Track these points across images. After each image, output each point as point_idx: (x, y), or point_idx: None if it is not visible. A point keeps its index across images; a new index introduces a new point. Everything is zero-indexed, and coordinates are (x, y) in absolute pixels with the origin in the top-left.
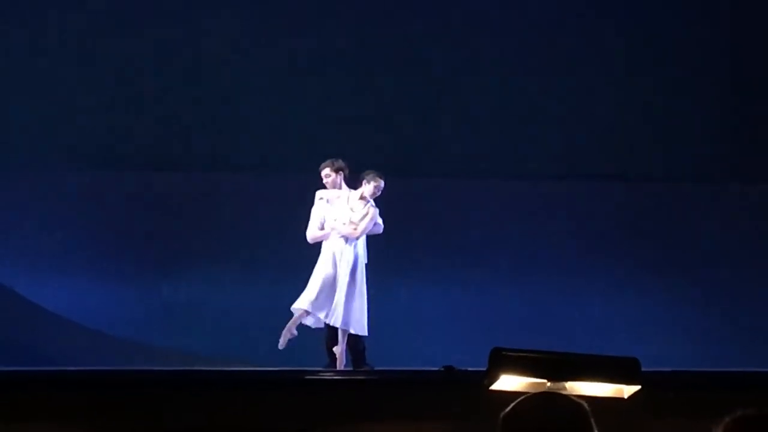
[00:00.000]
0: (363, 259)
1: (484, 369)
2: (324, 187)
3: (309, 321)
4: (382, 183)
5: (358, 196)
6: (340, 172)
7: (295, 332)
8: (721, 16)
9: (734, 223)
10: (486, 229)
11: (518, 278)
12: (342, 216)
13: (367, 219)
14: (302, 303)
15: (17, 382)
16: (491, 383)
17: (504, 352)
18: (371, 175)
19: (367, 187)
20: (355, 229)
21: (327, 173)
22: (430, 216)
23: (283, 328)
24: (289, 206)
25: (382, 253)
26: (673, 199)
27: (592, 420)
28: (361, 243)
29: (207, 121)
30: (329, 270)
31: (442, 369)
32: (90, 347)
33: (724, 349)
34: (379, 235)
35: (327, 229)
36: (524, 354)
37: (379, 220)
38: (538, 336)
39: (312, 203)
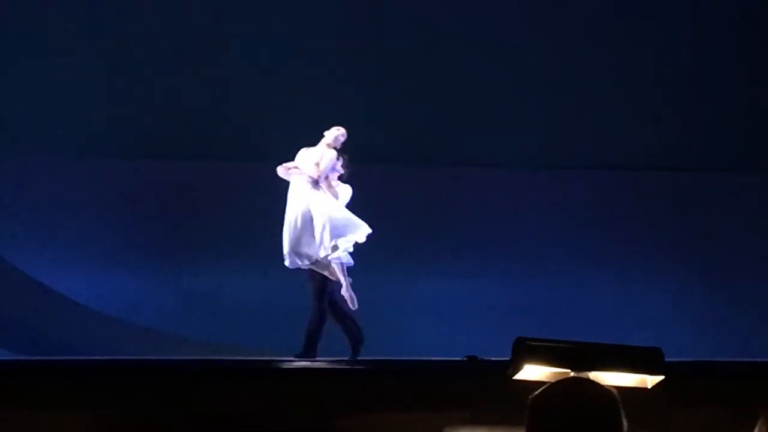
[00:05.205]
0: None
1: (507, 359)
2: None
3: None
4: (343, 129)
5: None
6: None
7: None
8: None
9: (756, 214)
10: (508, 219)
11: (541, 268)
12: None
13: (326, 159)
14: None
15: (40, 372)
16: (514, 373)
17: (528, 342)
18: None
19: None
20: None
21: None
22: (451, 206)
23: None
24: None
25: (405, 244)
26: (696, 189)
27: (621, 408)
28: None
29: (227, 111)
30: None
31: (465, 359)
32: (111, 336)
33: (747, 339)
34: (399, 225)
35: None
36: (548, 344)
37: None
38: (561, 326)
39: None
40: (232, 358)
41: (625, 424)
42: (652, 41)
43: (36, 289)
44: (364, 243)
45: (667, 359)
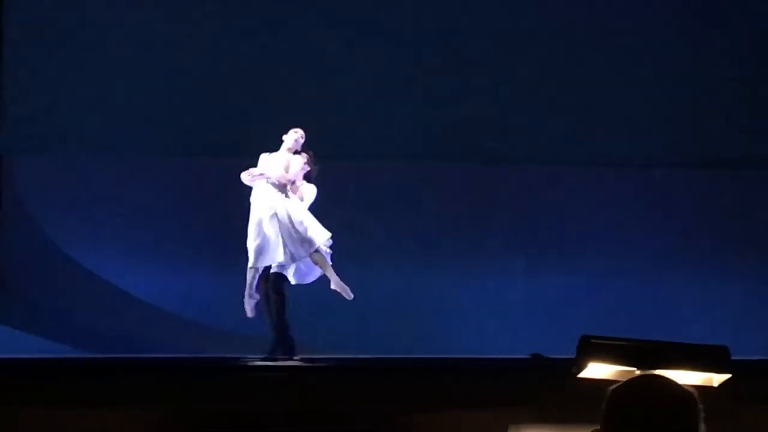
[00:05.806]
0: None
1: (572, 357)
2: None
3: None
4: (301, 131)
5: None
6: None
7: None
8: None
9: None
10: (572, 218)
11: (605, 266)
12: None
13: (295, 164)
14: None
15: (106, 369)
16: (579, 371)
17: (593, 340)
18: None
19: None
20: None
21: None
22: (516, 204)
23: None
24: (364, 193)
25: (469, 241)
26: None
27: (702, 410)
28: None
29: (286, 108)
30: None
31: (530, 356)
32: (178, 335)
33: None
34: (461, 222)
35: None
36: (613, 342)
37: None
38: (626, 324)
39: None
40: (301, 357)
41: (703, 427)
42: (714, 37)
43: (104, 288)
44: (431, 239)
45: (733, 357)
